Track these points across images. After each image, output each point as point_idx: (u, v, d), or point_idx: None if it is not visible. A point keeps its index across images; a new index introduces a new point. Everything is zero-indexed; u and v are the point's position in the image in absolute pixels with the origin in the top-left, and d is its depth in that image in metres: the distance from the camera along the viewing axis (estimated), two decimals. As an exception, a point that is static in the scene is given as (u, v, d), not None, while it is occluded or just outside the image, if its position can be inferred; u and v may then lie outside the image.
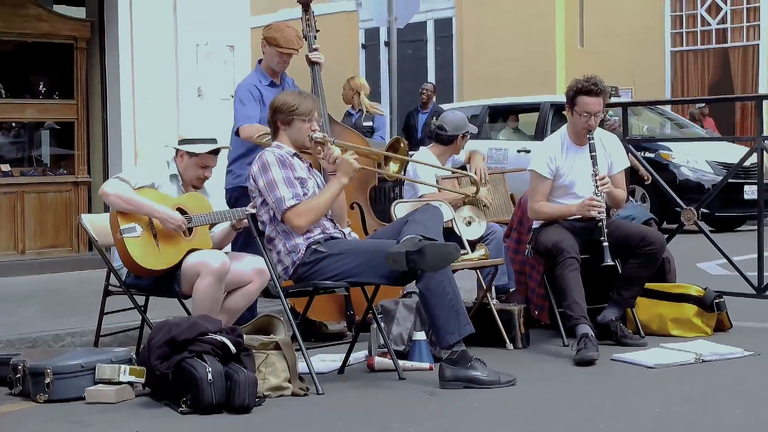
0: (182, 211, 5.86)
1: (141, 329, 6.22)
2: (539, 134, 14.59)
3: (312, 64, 7.15)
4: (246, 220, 5.88)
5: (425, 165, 7.23)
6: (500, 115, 16.53)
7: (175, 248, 5.82)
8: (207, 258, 5.74)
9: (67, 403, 5.23)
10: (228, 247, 6.29)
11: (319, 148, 5.80)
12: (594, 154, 6.46)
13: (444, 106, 16.44)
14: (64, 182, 10.17)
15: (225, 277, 5.74)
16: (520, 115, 16.40)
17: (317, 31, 7.33)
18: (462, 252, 6.51)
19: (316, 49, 7.15)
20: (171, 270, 5.80)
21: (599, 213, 6.39)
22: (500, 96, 17.03)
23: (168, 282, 5.85)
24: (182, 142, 6.06)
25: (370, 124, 11.48)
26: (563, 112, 13.06)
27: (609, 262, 6.33)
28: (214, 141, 6.07)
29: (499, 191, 7.69)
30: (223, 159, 6.31)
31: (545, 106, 15.16)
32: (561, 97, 14.07)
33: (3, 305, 7.74)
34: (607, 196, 6.61)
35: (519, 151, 14.76)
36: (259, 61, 7.10)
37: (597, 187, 6.44)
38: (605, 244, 6.33)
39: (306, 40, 7.23)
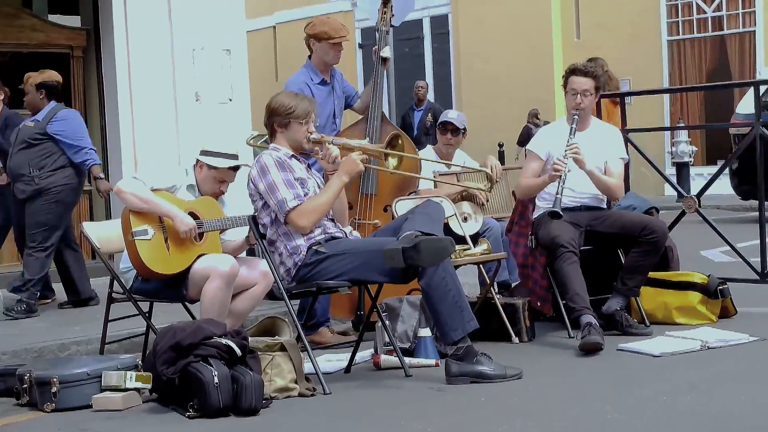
0: (194, 216, 5.87)
1: (146, 335, 6.23)
2: None
3: (383, 60, 7.13)
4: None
5: (432, 162, 7.30)
6: None
7: (185, 253, 5.83)
8: (216, 262, 5.74)
9: (74, 412, 5.24)
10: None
11: (317, 148, 5.80)
12: (573, 126, 6.61)
13: None
14: (65, 191, 10.16)
15: (234, 281, 5.75)
16: None
17: (392, 26, 7.31)
18: (464, 247, 6.53)
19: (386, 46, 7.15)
20: (179, 274, 5.81)
21: (558, 172, 6.43)
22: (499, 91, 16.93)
23: (175, 286, 5.86)
24: (204, 152, 6.05)
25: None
26: None
27: (557, 208, 6.35)
28: (235, 157, 6.07)
29: (499, 188, 7.69)
30: (241, 176, 6.19)
31: None
32: None
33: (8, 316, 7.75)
34: (597, 182, 6.64)
35: None
36: (309, 57, 7.07)
37: (566, 151, 6.50)
38: (558, 196, 6.39)
39: (377, 34, 7.22)
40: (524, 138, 18.53)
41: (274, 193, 5.59)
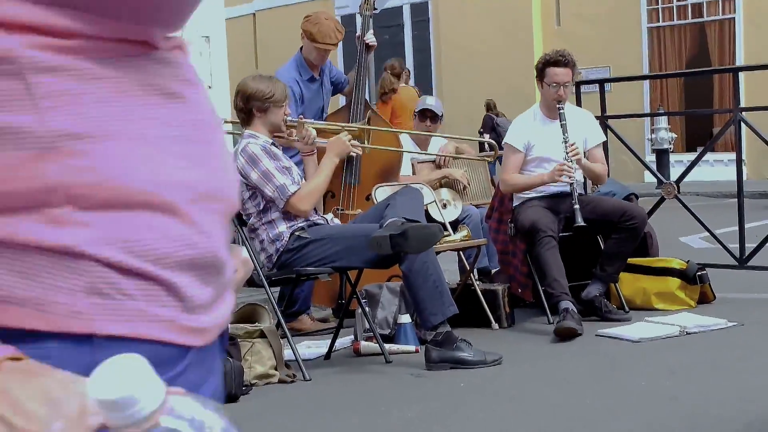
0: None
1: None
2: None
3: (367, 47, 7.10)
4: None
5: (409, 142, 7.35)
6: None
7: None
8: None
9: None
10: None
11: (292, 130, 5.81)
12: (564, 122, 6.54)
13: None
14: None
15: None
16: None
17: (375, 10, 7.26)
18: (444, 234, 6.53)
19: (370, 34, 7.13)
20: None
21: (569, 177, 6.42)
22: (479, 79, 16.97)
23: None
24: None
25: None
26: None
27: (580, 222, 6.34)
28: None
29: (479, 175, 7.70)
30: None
31: None
32: None
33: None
34: (587, 171, 6.66)
35: None
36: (301, 48, 7.04)
37: (567, 153, 6.47)
38: (576, 206, 6.37)
39: (361, 19, 7.19)
40: (486, 128, 18.49)
41: (271, 181, 5.58)
